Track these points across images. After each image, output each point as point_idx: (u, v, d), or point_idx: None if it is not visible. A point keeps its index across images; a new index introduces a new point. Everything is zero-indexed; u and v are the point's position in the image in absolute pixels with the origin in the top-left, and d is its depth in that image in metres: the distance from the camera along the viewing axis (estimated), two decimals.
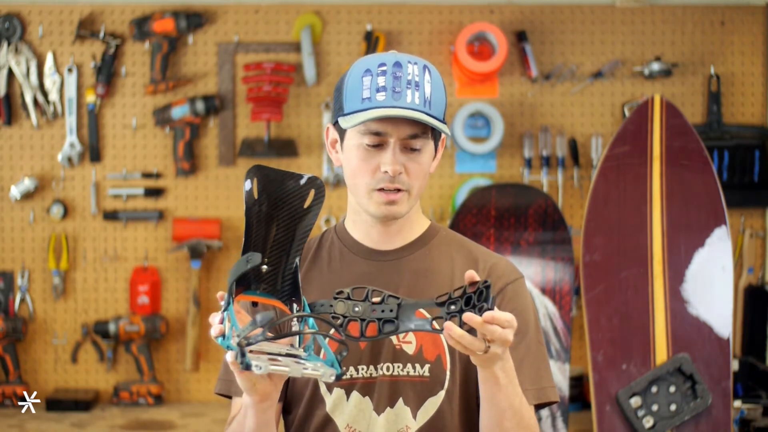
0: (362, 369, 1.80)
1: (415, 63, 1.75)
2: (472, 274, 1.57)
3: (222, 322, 1.56)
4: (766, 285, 4.04)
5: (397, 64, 1.73)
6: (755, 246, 4.04)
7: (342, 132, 1.80)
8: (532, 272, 3.53)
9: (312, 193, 1.66)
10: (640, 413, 3.22)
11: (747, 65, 4.09)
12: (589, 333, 3.27)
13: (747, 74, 4.09)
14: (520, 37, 4.00)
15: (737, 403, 3.49)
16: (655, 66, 4.00)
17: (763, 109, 4.08)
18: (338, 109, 1.79)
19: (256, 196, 1.61)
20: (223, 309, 1.57)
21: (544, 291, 3.52)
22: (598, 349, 3.26)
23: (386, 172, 1.74)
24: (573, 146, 4.00)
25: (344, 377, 1.80)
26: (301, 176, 1.65)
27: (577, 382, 3.86)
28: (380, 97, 1.71)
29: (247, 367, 1.47)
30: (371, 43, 3.95)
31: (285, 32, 4.00)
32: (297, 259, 1.65)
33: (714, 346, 3.25)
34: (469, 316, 1.51)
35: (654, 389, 3.23)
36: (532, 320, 1.83)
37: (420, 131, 1.75)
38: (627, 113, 3.95)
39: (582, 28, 4.06)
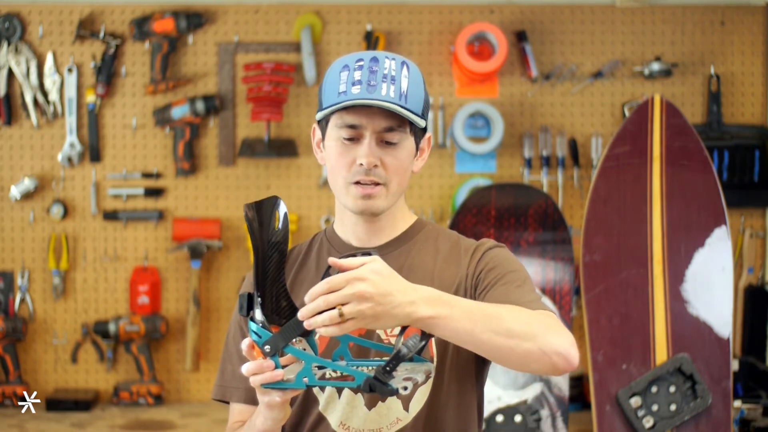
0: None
1: (393, 59, 1.76)
2: (332, 261, 1.56)
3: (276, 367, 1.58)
4: (766, 285, 4.04)
5: (374, 60, 1.74)
6: (755, 246, 4.04)
7: (324, 130, 1.81)
8: (532, 272, 3.53)
9: (277, 213, 1.62)
10: (640, 413, 3.22)
11: (747, 65, 4.09)
12: (589, 333, 3.27)
13: (747, 74, 4.09)
14: (520, 37, 4.00)
15: (737, 403, 3.49)
16: (655, 66, 4.00)
17: (763, 109, 4.08)
18: (318, 106, 1.81)
19: (251, 230, 1.60)
20: (270, 353, 1.57)
21: (544, 291, 3.52)
22: (598, 349, 3.26)
23: (362, 164, 1.75)
24: (573, 146, 4.00)
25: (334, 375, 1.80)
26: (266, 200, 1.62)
27: (577, 382, 3.86)
28: (355, 90, 1.72)
29: (394, 392, 1.54)
30: (371, 43, 3.95)
31: (285, 32, 4.00)
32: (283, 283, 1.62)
33: (714, 346, 3.25)
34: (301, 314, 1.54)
35: (654, 389, 3.23)
36: (516, 265, 1.80)
37: (396, 124, 1.75)
38: (627, 113, 3.95)
39: (582, 28, 4.06)
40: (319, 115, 1.78)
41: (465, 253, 1.83)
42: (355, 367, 1.58)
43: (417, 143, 1.82)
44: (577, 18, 4.05)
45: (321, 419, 1.82)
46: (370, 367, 1.59)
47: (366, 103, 1.71)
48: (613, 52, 4.05)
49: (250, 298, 1.59)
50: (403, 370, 1.56)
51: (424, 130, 1.83)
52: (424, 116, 1.79)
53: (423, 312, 1.55)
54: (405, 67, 1.76)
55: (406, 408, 1.79)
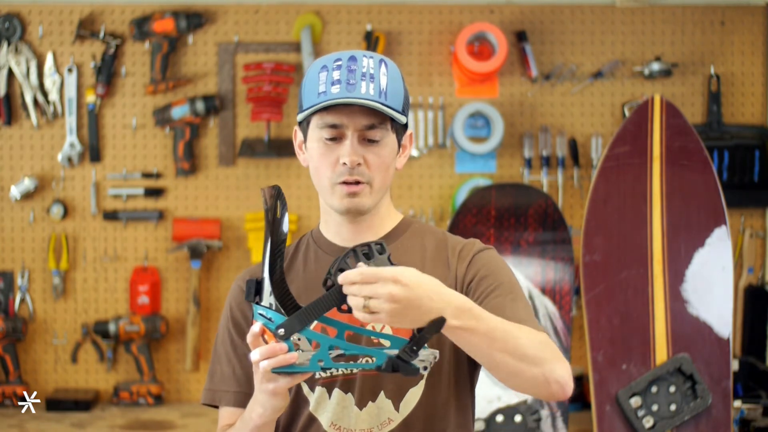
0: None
1: (371, 57, 1.76)
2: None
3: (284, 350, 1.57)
4: (766, 285, 4.04)
5: (352, 59, 1.75)
6: (755, 246, 4.04)
7: (305, 131, 1.81)
8: (532, 272, 3.53)
9: (278, 203, 1.63)
10: (640, 413, 3.22)
11: (747, 65, 4.09)
12: (589, 333, 3.27)
13: (747, 74, 4.09)
14: (520, 37, 4.00)
15: (737, 403, 3.49)
16: (655, 66, 4.00)
17: (763, 109, 4.08)
18: (299, 108, 1.81)
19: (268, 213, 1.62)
20: (284, 337, 1.55)
21: (544, 291, 3.52)
22: (598, 349, 3.26)
23: (345, 163, 1.74)
24: (573, 146, 4.01)
25: (324, 375, 1.79)
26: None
27: (577, 382, 3.85)
28: (335, 89, 1.72)
29: (417, 372, 1.54)
30: (371, 43, 3.95)
31: (285, 32, 4.01)
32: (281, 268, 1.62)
33: (714, 346, 3.25)
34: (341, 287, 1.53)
35: (654, 389, 3.23)
36: (508, 273, 1.80)
37: (377, 122, 1.75)
38: (627, 113, 3.95)
39: (582, 28, 4.06)
40: (300, 117, 1.79)
41: (452, 252, 1.83)
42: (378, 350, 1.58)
43: (399, 140, 1.82)
44: (577, 18, 4.05)
45: (312, 420, 1.81)
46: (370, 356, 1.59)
47: (346, 101, 1.71)
48: (613, 52, 4.05)
49: (258, 284, 1.58)
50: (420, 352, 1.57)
51: (406, 126, 1.83)
52: (404, 113, 1.79)
53: (450, 322, 1.55)
54: (383, 65, 1.76)
55: (396, 408, 1.79)
